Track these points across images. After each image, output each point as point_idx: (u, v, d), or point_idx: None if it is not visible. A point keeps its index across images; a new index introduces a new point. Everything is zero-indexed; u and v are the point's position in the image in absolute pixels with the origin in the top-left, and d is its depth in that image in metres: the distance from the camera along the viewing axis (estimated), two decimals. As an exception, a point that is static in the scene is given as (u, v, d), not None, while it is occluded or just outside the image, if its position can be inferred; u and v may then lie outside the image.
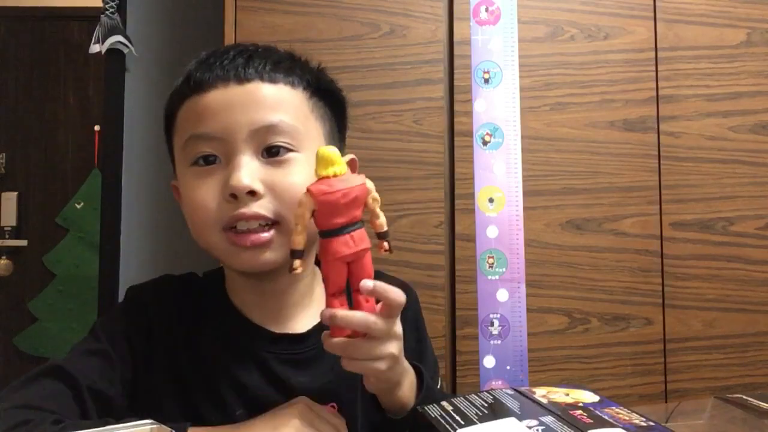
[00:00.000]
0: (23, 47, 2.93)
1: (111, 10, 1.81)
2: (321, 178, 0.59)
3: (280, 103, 0.69)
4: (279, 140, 0.68)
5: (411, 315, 0.79)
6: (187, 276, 0.80)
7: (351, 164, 0.77)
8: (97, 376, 0.66)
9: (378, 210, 0.62)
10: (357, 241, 0.59)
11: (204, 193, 0.68)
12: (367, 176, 0.61)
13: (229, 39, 1.34)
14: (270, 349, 0.73)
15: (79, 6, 2.82)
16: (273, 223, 0.68)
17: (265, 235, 0.67)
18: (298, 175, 0.68)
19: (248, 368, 0.72)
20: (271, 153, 0.68)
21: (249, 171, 0.66)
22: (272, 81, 0.70)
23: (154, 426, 0.53)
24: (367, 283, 0.59)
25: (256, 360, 0.72)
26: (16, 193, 2.87)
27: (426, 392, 0.69)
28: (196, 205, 0.69)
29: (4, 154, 2.89)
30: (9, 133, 2.90)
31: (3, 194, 2.86)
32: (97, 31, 1.81)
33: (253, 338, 0.73)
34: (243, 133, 0.67)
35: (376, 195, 0.62)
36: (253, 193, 0.66)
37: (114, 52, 1.83)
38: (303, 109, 0.71)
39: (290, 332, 0.75)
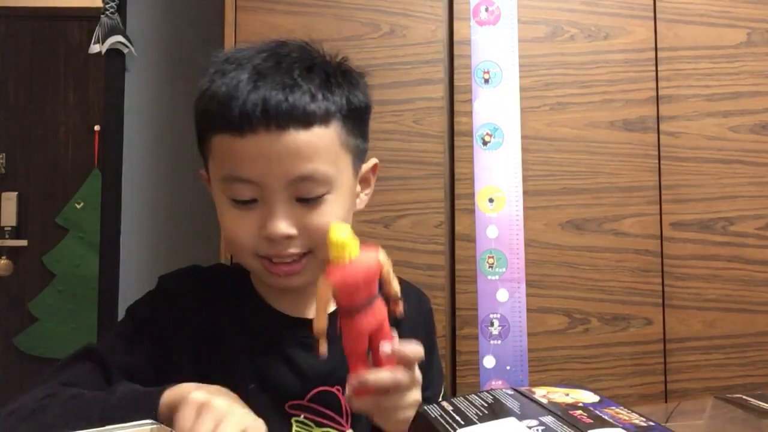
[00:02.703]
0: (23, 47, 2.92)
1: (111, 10, 1.82)
2: (337, 263, 0.61)
3: (315, 151, 0.71)
4: (313, 191, 0.71)
5: (423, 320, 0.87)
6: (214, 266, 0.86)
7: (373, 169, 0.82)
8: (125, 353, 0.73)
9: (391, 277, 0.64)
10: (378, 312, 0.62)
11: (241, 231, 0.72)
12: None
13: (229, 39, 1.34)
14: (285, 332, 0.78)
15: (79, 6, 2.81)
16: (304, 254, 0.73)
17: (298, 266, 0.73)
18: (330, 215, 0.71)
19: (263, 346, 0.76)
20: (306, 198, 0.71)
21: (285, 217, 0.70)
22: (307, 126, 0.70)
23: (154, 426, 0.54)
24: (385, 348, 0.62)
25: (272, 341, 0.77)
26: (16, 193, 2.87)
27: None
28: (233, 237, 0.73)
29: (4, 154, 2.89)
30: (9, 133, 2.89)
31: (3, 194, 2.86)
32: (97, 31, 1.82)
33: (271, 321, 0.78)
34: (280, 183, 0.70)
35: (389, 265, 0.64)
36: (288, 237, 0.70)
37: (114, 52, 1.83)
38: (335, 146, 0.73)
39: (305, 317, 0.79)
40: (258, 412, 0.67)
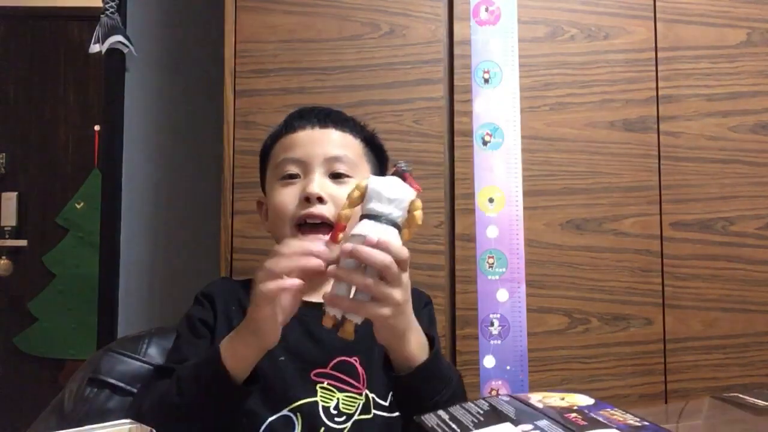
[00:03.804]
0: (23, 47, 2.93)
1: (111, 10, 1.81)
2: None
3: (345, 143, 1.00)
4: (342, 168, 0.96)
5: (423, 313, 1.00)
6: (246, 279, 1.05)
7: None
8: (192, 356, 0.89)
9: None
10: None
11: (286, 197, 0.96)
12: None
13: (230, 39, 1.34)
14: (308, 313, 0.89)
15: (79, 6, 2.81)
16: (330, 225, 0.91)
17: (322, 236, 0.91)
18: None
19: (290, 325, 0.88)
20: (336, 176, 0.96)
21: (319, 184, 0.94)
22: (341, 130, 1.01)
23: (133, 426, 0.57)
24: (371, 238, 0.71)
25: (297, 319, 0.88)
26: (16, 193, 2.87)
27: (436, 355, 0.80)
28: (279, 205, 0.96)
29: (4, 154, 2.89)
30: (9, 133, 2.90)
31: (3, 194, 2.86)
32: (97, 31, 1.81)
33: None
34: (319, 159, 0.96)
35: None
36: (320, 200, 0.93)
37: (114, 52, 1.83)
38: (359, 152, 1.01)
39: None
40: (287, 380, 0.88)
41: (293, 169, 0.97)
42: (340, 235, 0.75)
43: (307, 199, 0.93)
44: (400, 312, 0.74)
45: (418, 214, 0.72)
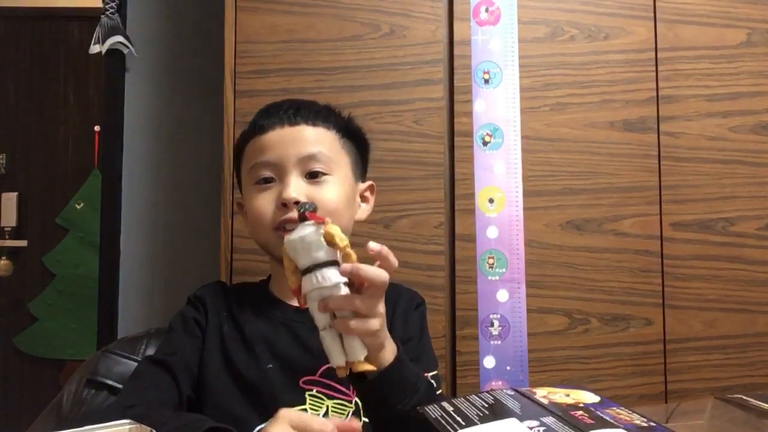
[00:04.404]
0: (23, 47, 2.92)
1: (111, 10, 1.82)
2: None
3: (319, 140, 0.95)
4: (317, 166, 0.93)
5: (415, 314, 1.01)
6: (237, 283, 1.09)
7: (371, 189, 1.04)
8: (181, 350, 0.91)
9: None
10: None
11: (263, 203, 0.93)
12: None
13: (230, 39, 1.34)
14: (297, 320, 0.93)
15: (79, 6, 2.81)
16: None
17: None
18: (330, 191, 0.93)
19: (279, 332, 0.93)
20: (312, 175, 0.93)
21: (296, 187, 0.91)
22: (314, 125, 0.96)
23: (133, 425, 0.57)
24: (373, 246, 0.72)
25: (287, 326, 0.94)
26: (16, 193, 2.86)
27: (400, 360, 0.78)
28: (257, 211, 0.94)
29: (4, 154, 2.89)
30: (9, 133, 2.89)
31: (3, 194, 2.86)
32: (97, 31, 1.82)
33: (285, 312, 0.96)
34: (292, 160, 0.93)
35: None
36: (297, 203, 0.89)
37: (114, 52, 1.83)
38: (335, 145, 0.97)
39: None
40: (276, 388, 0.87)
41: (267, 173, 0.94)
42: (303, 299, 0.75)
43: (284, 204, 0.91)
44: (384, 324, 0.74)
45: (338, 238, 0.70)
